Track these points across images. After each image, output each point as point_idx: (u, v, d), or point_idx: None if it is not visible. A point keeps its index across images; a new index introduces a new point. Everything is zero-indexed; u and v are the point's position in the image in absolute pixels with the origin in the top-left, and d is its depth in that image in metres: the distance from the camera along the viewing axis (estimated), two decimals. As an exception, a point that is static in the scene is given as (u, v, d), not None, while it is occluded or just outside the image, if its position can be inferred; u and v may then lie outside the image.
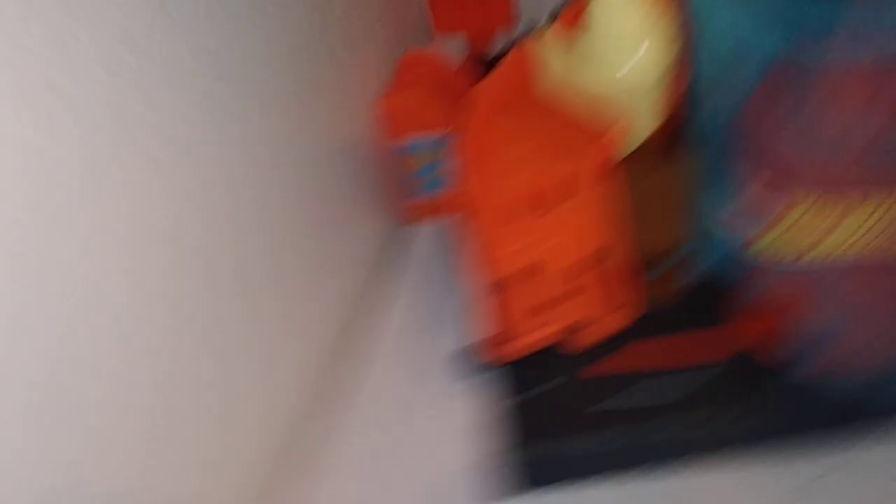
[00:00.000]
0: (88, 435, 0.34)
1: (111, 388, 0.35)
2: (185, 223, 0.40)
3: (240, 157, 0.45)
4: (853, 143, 0.35)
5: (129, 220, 0.36)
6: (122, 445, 0.36)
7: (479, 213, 0.44)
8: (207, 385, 0.42)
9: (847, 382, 0.41)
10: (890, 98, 0.34)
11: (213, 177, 0.42)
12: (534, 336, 0.48)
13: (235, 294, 0.45)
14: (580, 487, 0.45)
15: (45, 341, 0.32)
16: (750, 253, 0.43)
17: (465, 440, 0.48)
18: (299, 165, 0.52)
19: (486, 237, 0.44)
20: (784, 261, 0.41)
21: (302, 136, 0.52)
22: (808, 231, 0.39)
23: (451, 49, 0.75)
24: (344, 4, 0.60)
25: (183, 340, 0.40)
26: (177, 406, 0.40)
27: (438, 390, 0.52)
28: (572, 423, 0.45)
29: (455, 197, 0.45)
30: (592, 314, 0.48)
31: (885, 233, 0.38)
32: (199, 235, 0.41)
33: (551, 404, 0.46)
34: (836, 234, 0.38)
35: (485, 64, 0.73)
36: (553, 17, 0.49)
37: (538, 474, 0.45)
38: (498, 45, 0.75)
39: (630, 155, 0.45)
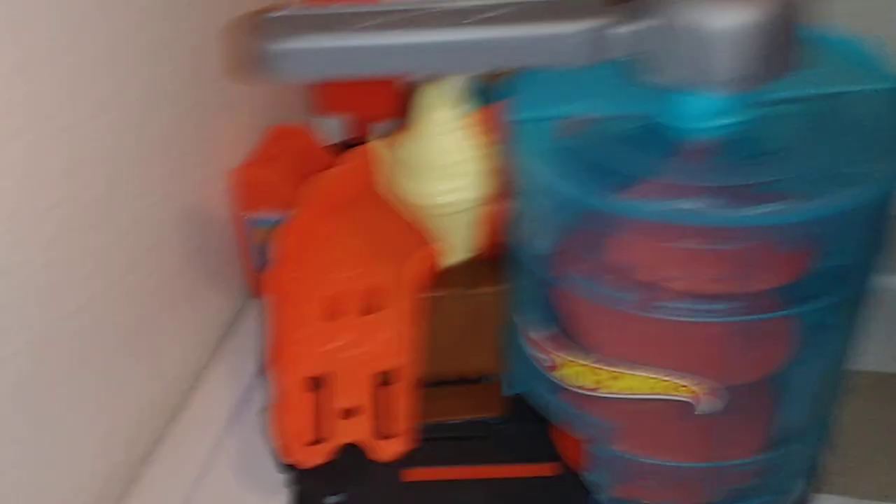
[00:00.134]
0: None
1: None
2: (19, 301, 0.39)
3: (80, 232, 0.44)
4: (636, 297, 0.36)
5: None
6: None
7: (280, 306, 0.43)
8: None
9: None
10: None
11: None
12: (332, 442, 0.46)
13: (75, 350, 0.44)
14: None
15: None
16: (556, 376, 0.43)
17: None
18: (146, 224, 0.51)
19: (282, 334, 0.43)
20: (585, 387, 0.41)
21: (150, 196, 0.51)
22: (587, 377, 0.40)
23: (328, 130, 0.75)
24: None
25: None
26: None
27: (254, 480, 0.49)
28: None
29: (266, 283, 0.44)
30: (366, 436, 0.45)
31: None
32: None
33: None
34: (615, 383, 0.39)
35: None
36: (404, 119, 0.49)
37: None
38: (375, 134, 0.75)
39: (443, 275, 0.45)
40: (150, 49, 0.50)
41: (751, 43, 0.33)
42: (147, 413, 0.52)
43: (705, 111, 0.37)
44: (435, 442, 0.48)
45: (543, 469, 0.47)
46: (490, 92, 0.43)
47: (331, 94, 0.75)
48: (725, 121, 0.37)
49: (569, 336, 0.41)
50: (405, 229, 0.46)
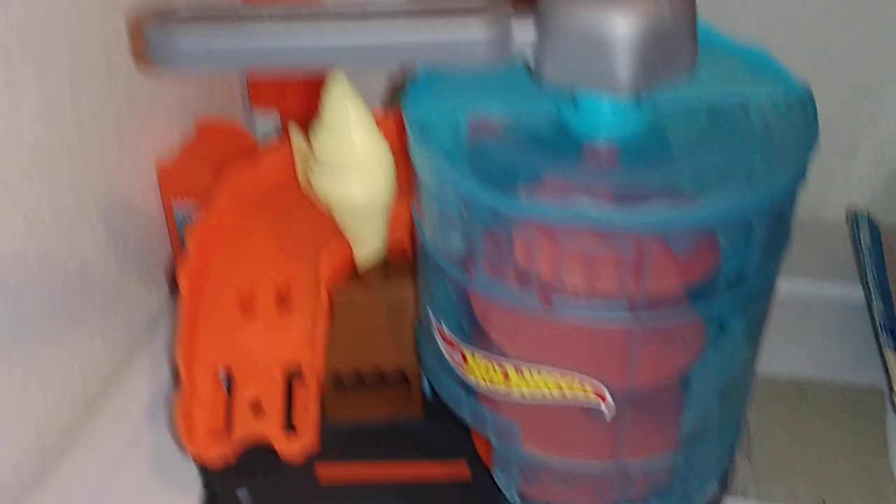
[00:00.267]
0: None
1: None
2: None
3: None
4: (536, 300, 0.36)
5: None
6: None
7: (192, 298, 0.43)
8: None
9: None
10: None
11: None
12: (237, 435, 0.45)
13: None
14: None
15: None
16: (465, 373, 0.43)
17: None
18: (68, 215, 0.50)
19: (192, 325, 0.43)
20: (492, 386, 0.41)
21: (71, 186, 0.50)
22: (494, 376, 0.39)
23: (263, 125, 0.74)
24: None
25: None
26: None
27: (170, 474, 0.49)
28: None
29: (178, 275, 0.44)
30: (269, 435, 0.45)
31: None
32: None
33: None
34: (521, 382, 0.39)
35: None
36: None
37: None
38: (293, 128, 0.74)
39: (356, 271, 0.45)
40: (77, 35, 0.49)
41: (644, 47, 0.33)
42: (62, 405, 0.52)
43: (604, 114, 0.37)
44: (353, 439, 0.47)
45: (459, 468, 0.47)
46: (400, 91, 0.43)
47: (266, 89, 0.74)
48: (625, 123, 0.37)
49: (478, 334, 0.41)
50: (322, 225, 0.46)
